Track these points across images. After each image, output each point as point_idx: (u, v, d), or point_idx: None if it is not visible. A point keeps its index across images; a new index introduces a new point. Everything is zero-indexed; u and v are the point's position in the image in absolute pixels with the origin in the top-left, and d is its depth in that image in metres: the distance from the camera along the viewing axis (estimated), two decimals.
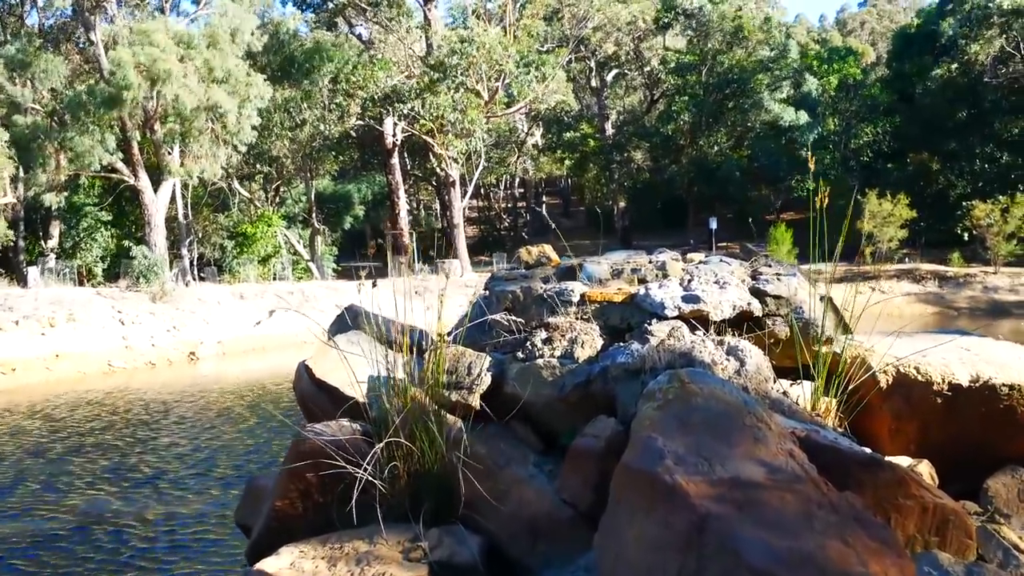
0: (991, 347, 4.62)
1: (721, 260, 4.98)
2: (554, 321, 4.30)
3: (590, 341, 4.18)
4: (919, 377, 4.31)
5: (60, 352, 21.51)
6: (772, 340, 4.31)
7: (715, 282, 4.40)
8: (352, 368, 4.48)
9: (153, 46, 28.47)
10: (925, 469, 4.11)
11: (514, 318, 4.42)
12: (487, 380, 4.24)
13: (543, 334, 4.27)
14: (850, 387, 4.25)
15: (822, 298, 4.62)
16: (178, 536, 7.05)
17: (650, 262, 4.91)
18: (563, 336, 4.20)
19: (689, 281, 4.46)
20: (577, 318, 4.35)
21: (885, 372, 4.33)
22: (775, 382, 4.13)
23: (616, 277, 4.78)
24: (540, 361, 4.16)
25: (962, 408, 4.28)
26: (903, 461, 4.23)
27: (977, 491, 4.25)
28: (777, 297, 4.40)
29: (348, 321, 5.20)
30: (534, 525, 3.78)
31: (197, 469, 9.43)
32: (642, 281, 4.68)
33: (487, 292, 4.92)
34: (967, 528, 3.39)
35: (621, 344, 4.08)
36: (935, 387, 4.29)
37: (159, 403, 14.99)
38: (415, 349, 4.63)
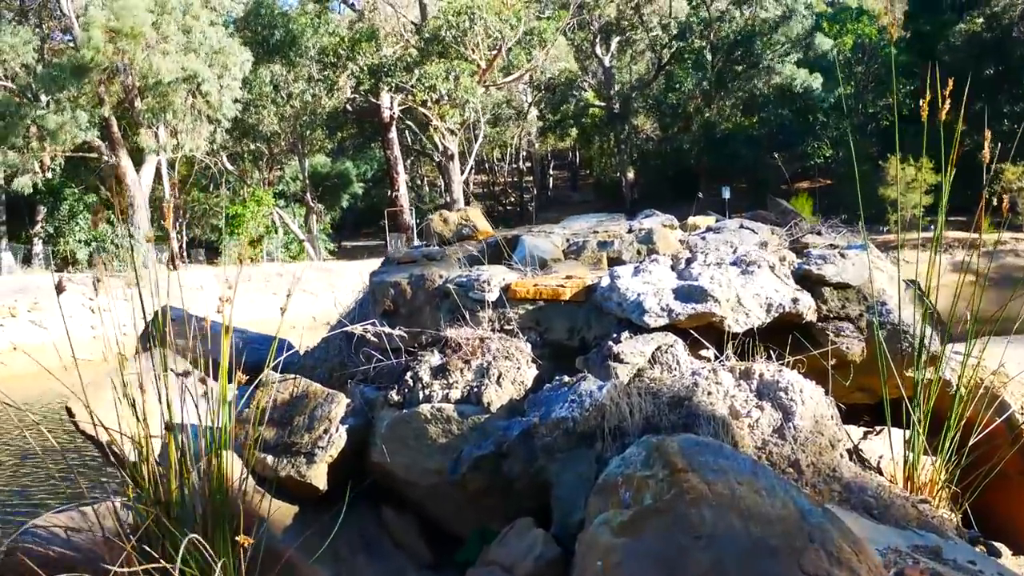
0: None
1: (742, 227, 3.14)
2: (454, 336, 2.48)
3: (511, 372, 2.36)
4: None
5: (18, 344, 19.90)
6: (835, 361, 2.49)
7: (733, 263, 2.57)
8: (136, 410, 2.72)
9: (125, 8, 26.74)
10: None
11: (390, 331, 2.59)
12: (341, 439, 2.45)
13: (434, 358, 2.46)
14: (970, 441, 2.45)
15: (908, 285, 2.81)
16: None
17: (630, 230, 3.07)
18: (466, 363, 2.39)
19: (689, 261, 2.62)
20: (494, 329, 2.54)
21: None
22: (844, 438, 2.31)
23: (573, 255, 2.95)
24: (426, 408, 2.35)
25: None
26: None
27: None
28: (842, 287, 2.55)
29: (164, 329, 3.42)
30: None
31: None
32: (615, 262, 2.86)
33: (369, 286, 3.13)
34: None
35: (564, 380, 2.28)
36: None
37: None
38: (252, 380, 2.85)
